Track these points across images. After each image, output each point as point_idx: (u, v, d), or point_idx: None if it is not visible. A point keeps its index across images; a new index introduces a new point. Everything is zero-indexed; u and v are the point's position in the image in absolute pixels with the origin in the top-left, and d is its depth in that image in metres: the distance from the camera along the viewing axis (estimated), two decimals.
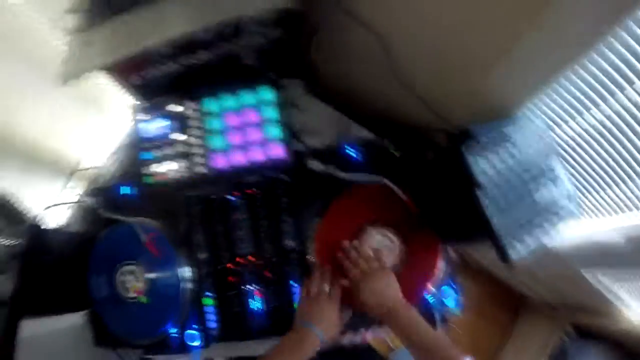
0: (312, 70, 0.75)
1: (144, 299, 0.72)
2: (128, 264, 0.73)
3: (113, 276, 0.74)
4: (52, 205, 0.86)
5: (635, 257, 0.71)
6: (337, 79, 0.77)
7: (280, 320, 0.69)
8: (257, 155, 0.59)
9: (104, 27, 0.55)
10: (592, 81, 0.54)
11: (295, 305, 0.69)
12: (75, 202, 0.87)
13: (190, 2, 0.52)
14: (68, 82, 0.54)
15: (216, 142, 0.60)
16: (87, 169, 0.86)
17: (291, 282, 0.70)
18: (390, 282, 0.60)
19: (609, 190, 0.69)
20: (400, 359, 1.13)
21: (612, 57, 0.50)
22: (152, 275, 0.72)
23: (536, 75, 0.55)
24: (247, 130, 0.60)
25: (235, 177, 0.63)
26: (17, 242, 0.64)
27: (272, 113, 0.60)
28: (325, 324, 0.57)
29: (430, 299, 0.71)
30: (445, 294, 0.72)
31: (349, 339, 0.71)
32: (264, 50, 0.66)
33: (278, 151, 0.59)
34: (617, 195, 0.70)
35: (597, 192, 0.71)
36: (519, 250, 0.56)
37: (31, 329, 0.69)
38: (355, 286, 0.59)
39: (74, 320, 1.01)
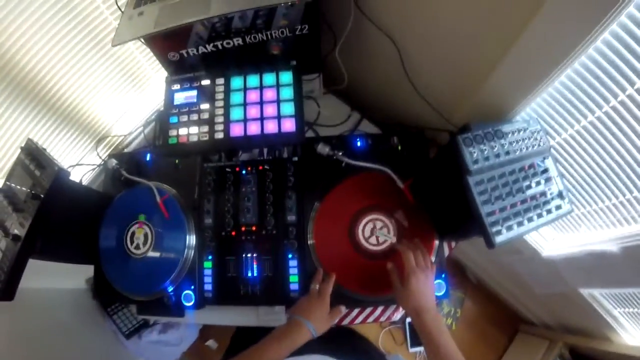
0: (333, 69, 0.84)
1: (148, 256, 0.78)
2: (140, 222, 0.80)
3: (123, 231, 0.80)
4: (77, 164, 0.95)
5: (630, 270, 0.72)
6: (355, 79, 0.85)
7: (272, 289, 0.73)
8: (271, 128, 0.66)
9: (156, 3, 0.65)
10: (587, 87, 0.58)
11: (290, 278, 0.74)
12: (100, 165, 0.96)
13: None
14: (117, 44, 0.63)
15: (236, 113, 0.68)
16: (114, 136, 0.96)
17: (288, 255, 0.74)
18: (432, 284, 0.66)
19: (607, 201, 0.72)
20: None
21: (604, 62, 0.54)
22: (159, 235, 0.78)
23: (531, 79, 0.61)
24: (265, 106, 0.68)
25: (248, 145, 0.70)
26: (41, 186, 0.70)
27: (288, 93, 0.68)
28: (317, 320, 0.63)
29: None
30: (437, 285, 0.74)
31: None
32: (289, 43, 0.75)
33: (289, 126, 0.66)
34: (615, 207, 0.72)
35: (595, 203, 0.74)
36: (505, 237, 0.60)
37: (35, 281, 0.73)
38: (407, 275, 0.63)
39: (76, 283, 1.07)
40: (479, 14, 0.57)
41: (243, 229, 0.76)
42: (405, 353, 1.28)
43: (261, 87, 0.69)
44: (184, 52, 0.75)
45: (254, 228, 0.76)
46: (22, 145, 0.76)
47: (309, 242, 0.75)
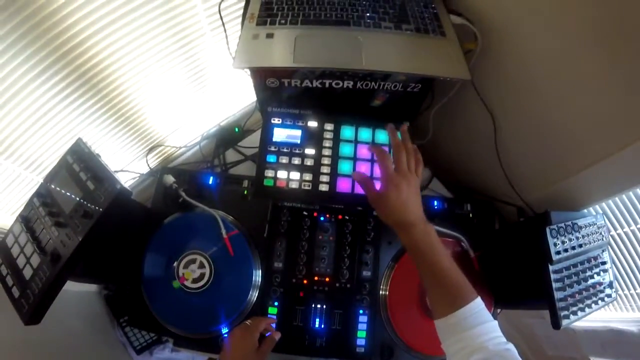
0: (418, 124, 0.88)
1: (204, 292, 0.75)
2: (197, 253, 0.76)
3: (175, 260, 0.77)
4: (122, 170, 0.87)
5: None
6: (435, 137, 0.91)
7: (338, 343, 0.78)
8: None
9: (288, 27, 0.63)
10: None
11: (358, 333, 0.77)
12: (146, 174, 0.88)
13: (378, 46, 0.63)
14: (241, 68, 0.61)
15: (344, 167, 0.69)
16: (167, 146, 0.89)
17: (359, 311, 0.78)
18: (417, 193, 0.60)
19: (638, 289, 0.88)
20: None
21: None
22: (219, 271, 0.76)
23: (616, 185, 0.72)
24: (375, 165, 0.70)
25: (352, 203, 0.72)
26: (93, 202, 0.64)
27: None
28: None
29: None
30: None
31: None
32: (394, 96, 0.77)
33: None
34: None
35: (628, 289, 0.91)
36: (570, 321, 0.71)
37: None
38: (385, 184, 0.58)
39: (85, 285, 0.97)
40: (591, 117, 0.66)
41: (316, 278, 0.79)
42: None
43: (373, 144, 0.70)
44: (285, 81, 0.74)
45: (327, 279, 0.79)
46: (71, 145, 0.69)
47: (380, 293, 0.79)
